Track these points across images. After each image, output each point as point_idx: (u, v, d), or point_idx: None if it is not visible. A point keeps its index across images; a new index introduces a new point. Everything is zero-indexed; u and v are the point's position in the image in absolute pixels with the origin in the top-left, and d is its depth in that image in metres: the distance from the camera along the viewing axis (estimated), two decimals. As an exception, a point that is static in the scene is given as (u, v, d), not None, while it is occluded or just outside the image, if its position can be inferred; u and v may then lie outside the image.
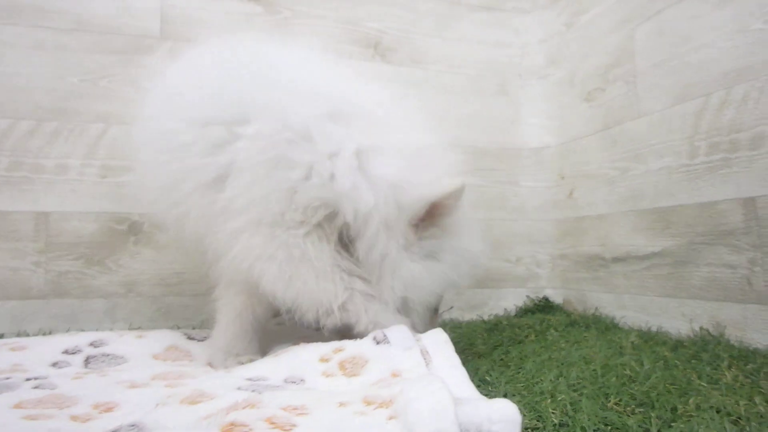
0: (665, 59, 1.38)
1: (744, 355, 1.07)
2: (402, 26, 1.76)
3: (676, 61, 1.35)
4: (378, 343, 0.90)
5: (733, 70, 1.21)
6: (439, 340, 0.91)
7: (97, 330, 1.41)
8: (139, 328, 1.45)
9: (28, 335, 1.35)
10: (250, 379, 0.86)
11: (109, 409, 0.70)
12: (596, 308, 1.56)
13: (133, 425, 0.60)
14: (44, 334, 1.35)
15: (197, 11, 1.60)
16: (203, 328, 1.41)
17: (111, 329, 1.43)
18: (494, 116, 1.82)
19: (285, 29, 1.66)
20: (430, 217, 1.02)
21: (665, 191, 1.37)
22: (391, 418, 0.61)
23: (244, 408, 0.64)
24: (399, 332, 0.92)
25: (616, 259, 1.52)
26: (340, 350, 0.90)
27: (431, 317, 1.10)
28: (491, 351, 1.23)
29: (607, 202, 1.55)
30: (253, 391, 0.78)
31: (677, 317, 1.33)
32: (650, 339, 1.25)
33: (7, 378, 0.88)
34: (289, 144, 0.96)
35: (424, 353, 0.87)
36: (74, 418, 0.66)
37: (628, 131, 1.49)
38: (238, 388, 0.78)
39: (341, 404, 0.66)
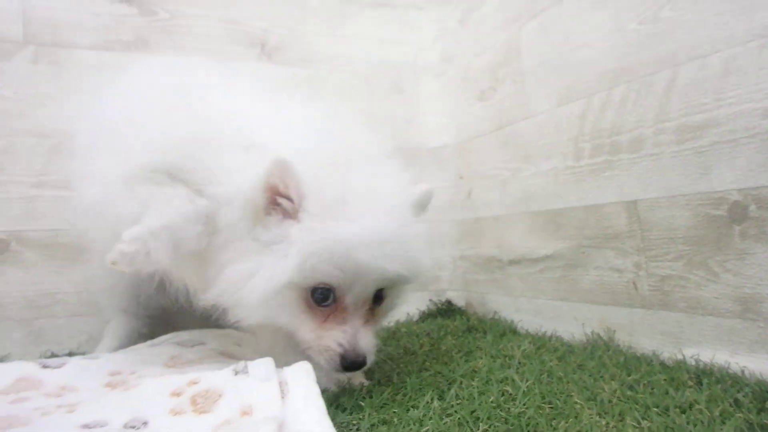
0: (549, 59, 1.30)
1: (628, 364, 1.01)
2: (290, 24, 1.62)
3: (559, 61, 1.27)
4: (237, 373, 0.82)
5: (612, 70, 1.13)
6: (300, 372, 0.82)
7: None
8: (8, 354, 1.27)
9: None
10: (86, 426, 0.75)
11: None
12: (495, 312, 1.48)
13: None
14: None
15: (63, 13, 1.41)
16: (77, 353, 1.27)
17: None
18: (390, 115, 1.71)
19: (163, 32, 1.49)
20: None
21: (554, 193, 1.29)
22: None
23: None
24: (261, 363, 0.83)
25: (512, 262, 1.43)
26: (195, 383, 0.81)
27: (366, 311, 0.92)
28: (379, 367, 1.13)
29: (503, 203, 1.47)
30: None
31: (570, 321, 1.26)
32: (542, 346, 1.18)
33: None
34: None
35: (283, 385, 0.79)
36: None
37: (518, 131, 1.40)
38: None
39: None
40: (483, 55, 1.54)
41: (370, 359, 0.89)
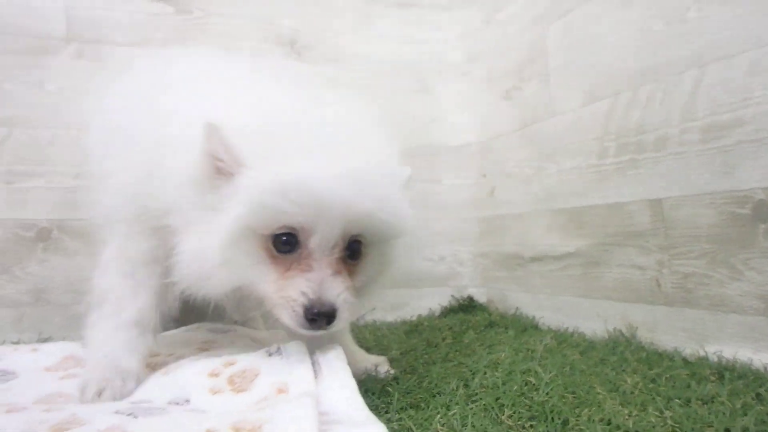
0: (575, 58, 1.31)
1: (650, 359, 1.02)
2: (318, 23, 1.65)
3: (585, 61, 1.28)
4: (270, 355, 0.84)
5: (638, 70, 1.14)
6: (331, 354, 0.85)
7: (2, 341, 1.28)
8: (49, 337, 1.33)
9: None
10: (133, 402, 0.80)
11: None
12: (516, 308, 1.49)
13: None
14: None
15: (103, 11, 1.46)
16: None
17: (18, 340, 1.31)
18: (414, 114, 1.73)
19: (198, 30, 1.53)
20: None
21: (577, 191, 1.30)
22: None
23: None
24: (293, 345, 0.86)
25: (534, 259, 1.45)
26: (231, 364, 0.84)
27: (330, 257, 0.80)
28: (403, 356, 1.16)
29: (525, 201, 1.48)
30: (128, 414, 0.72)
31: (592, 318, 1.27)
32: (564, 341, 1.19)
33: None
34: None
35: (315, 365, 0.82)
36: None
37: (543, 130, 1.42)
38: (116, 412, 0.73)
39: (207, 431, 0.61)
40: (508, 54, 1.56)
41: (341, 313, 0.77)
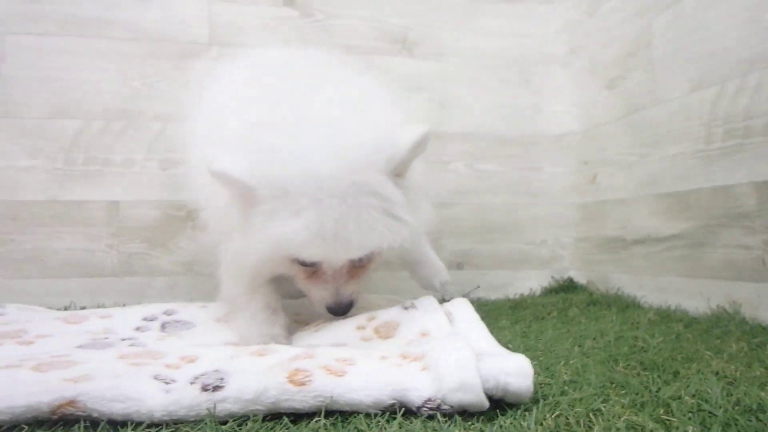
0: (681, 48, 1.36)
1: (754, 331, 1.07)
2: (426, 21, 1.77)
3: (692, 50, 1.33)
4: (406, 309, 0.98)
5: (746, 59, 1.18)
6: (461, 304, 0.99)
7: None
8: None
9: (105, 307, 1.45)
10: (307, 345, 0.92)
11: (192, 360, 0.77)
12: (618, 288, 1.56)
13: (216, 370, 0.68)
14: (119, 306, 1.45)
15: (239, 17, 1.65)
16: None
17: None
18: (518, 105, 1.81)
19: (319, 31, 1.70)
20: None
21: (682, 176, 1.35)
22: (423, 369, 0.68)
23: (304, 358, 0.71)
24: (425, 300, 1.00)
25: (636, 241, 1.51)
26: (373, 318, 0.98)
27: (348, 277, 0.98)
28: (513, 325, 1.26)
29: (627, 186, 1.54)
30: (308, 347, 0.86)
31: (695, 296, 1.32)
32: (667, 316, 1.25)
33: (106, 338, 1.03)
34: None
35: (448, 315, 0.95)
36: (167, 366, 0.75)
37: (647, 118, 1.47)
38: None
39: (382, 358, 0.73)
40: (612, 45, 1.62)
41: (356, 302, 0.99)
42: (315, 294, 0.98)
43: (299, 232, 0.85)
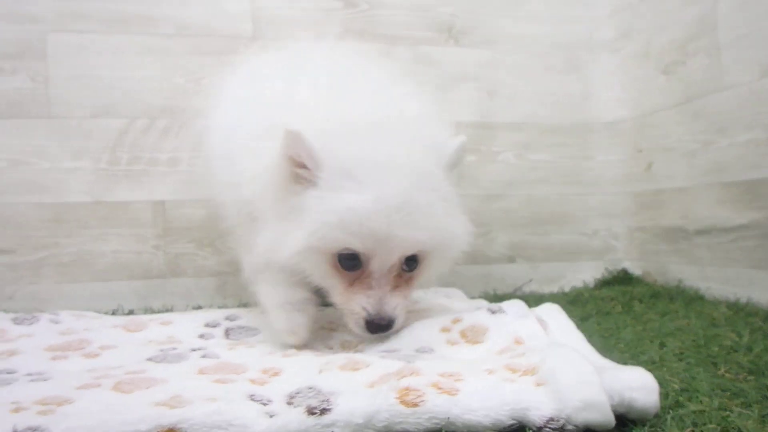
0: (750, 31, 1.30)
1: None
2: (473, 8, 1.71)
3: (761, 33, 1.27)
4: (494, 313, 0.92)
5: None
6: (553, 309, 0.95)
7: (210, 305, 1.49)
8: (247, 303, 1.50)
9: (153, 310, 1.44)
10: (385, 351, 0.88)
11: (276, 374, 0.74)
12: (679, 280, 1.51)
13: (311, 387, 0.65)
14: (167, 310, 1.43)
15: (283, 10, 1.61)
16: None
17: (224, 305, 1.49)
18: (566, 92, 1.75)
19: (364, 22, 1.65)
20: None
21: (752, 164, 1.30)
22: (538, 384, 0.63)
23: (410, 375, 0.66)
24: (514, 304, 0.95)
25: (699, 232, 1.46)
26: (458, 320, 0.93)
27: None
28: (581, 323, 1.22)
29: (688, 175, 1.49)
30: (399, 360, 0.78)
31: (767, 289, 1.27)
32: (740, 310, 1.21)
33: (174, 348, 0.97)
34: None
35: (540, 321, 0.90)
36: (252, 381, 0.71)
37: (711, 104, 1.42)
38: (382, 357, 0.80)
39: (489, 371, 0.68)
40: (668, 29, 1.55)
41: (399, 322, 0.90)
42: (354, 305, 0.89)
43: (365, 202, 0.81)
